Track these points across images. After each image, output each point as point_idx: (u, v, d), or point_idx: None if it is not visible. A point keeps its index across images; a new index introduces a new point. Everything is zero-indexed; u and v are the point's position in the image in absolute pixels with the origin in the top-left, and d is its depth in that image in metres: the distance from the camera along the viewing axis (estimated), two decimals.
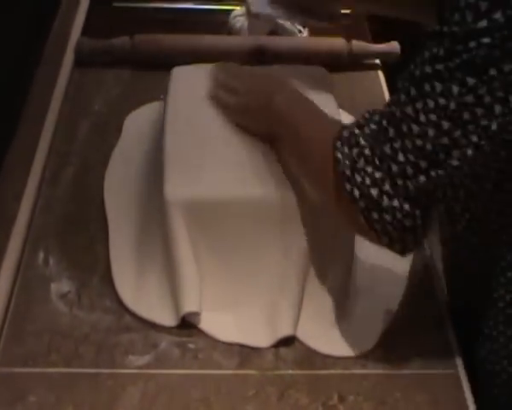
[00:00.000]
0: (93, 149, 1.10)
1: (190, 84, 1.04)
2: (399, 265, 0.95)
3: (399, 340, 0.89)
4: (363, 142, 0.74)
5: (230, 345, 0.87)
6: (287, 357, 0.86)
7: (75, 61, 1.26)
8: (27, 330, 0.86)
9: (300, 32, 1.34)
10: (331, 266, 0.91)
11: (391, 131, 0.72)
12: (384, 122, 0.73)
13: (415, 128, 0.69)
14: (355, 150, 0.75)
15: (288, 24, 1.32)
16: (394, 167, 0.71)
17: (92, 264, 0.94)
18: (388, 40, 1.29)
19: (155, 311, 0.89)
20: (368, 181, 0.73)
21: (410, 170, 0.71)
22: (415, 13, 0.94)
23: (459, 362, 0.87)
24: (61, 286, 0.91)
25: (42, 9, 1.31)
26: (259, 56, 1.21)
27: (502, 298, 0.81)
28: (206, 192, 0.89)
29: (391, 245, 0.76)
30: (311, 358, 0.86)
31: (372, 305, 0.92)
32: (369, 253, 0.92)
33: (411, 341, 0.89)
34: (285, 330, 0.86)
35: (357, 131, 0.76)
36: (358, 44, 1.28)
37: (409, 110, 0.70)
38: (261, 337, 0.87)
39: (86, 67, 1.25)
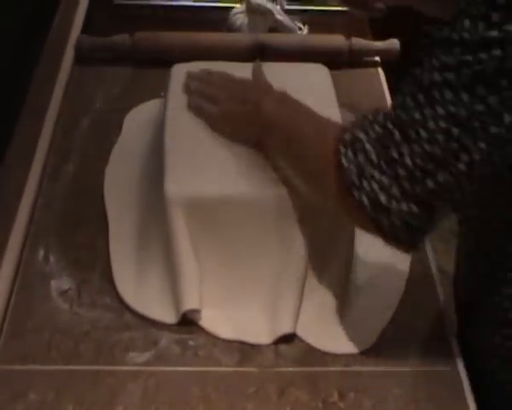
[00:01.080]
0: (93, 146, 1.10)
1: None
2: (399, 261, 0.95)
3: (399, 337, 0.89)
4: (368, 146, 0.73)
5: (230, 342, 0.87)
6: (287, 354, 0.86)
7: (75, 58, 1.26)
8: (27, 328, 0.87)
9: (300, 29, 1.34)
10: (331, 263, 0.91)
11: (397, 135, 0.71)
12: (389, 126, 0.72)
13: (423, 133, 0.69)
14: (361, 156, 0.73)
15: (287, 21, 1.32)
16: (402, 172, 0.71)
17: (92, 261, 0.94)
18: (388, 37, 1.29)
19: (155, 308, 0.89)
20: (375, 187, 0.72)
21: (417, 174, 0.70)
22: (442, 9, 0.92)
23: (459, 359, 0.87)
24: (62, 283, 0.91)
25: (42, 6, 1.30)
26: (259, 54, 1.21)
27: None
28: (206, 189, 0.89)
29: (397, 245, 0.76)
30: (311, 355, 0.86)
31: (372, 302, 0.92)
32: (369, 249, 0.92)
33: (411, 338, 0.89)
34: (285, 328, 0.86)
35: (361, 135, 0.74)
36: (358, 42, 1.28)
37: (417, 116, 0.69)
38: (261, 335, 0.87)
39: (86, 65, 1.25)
